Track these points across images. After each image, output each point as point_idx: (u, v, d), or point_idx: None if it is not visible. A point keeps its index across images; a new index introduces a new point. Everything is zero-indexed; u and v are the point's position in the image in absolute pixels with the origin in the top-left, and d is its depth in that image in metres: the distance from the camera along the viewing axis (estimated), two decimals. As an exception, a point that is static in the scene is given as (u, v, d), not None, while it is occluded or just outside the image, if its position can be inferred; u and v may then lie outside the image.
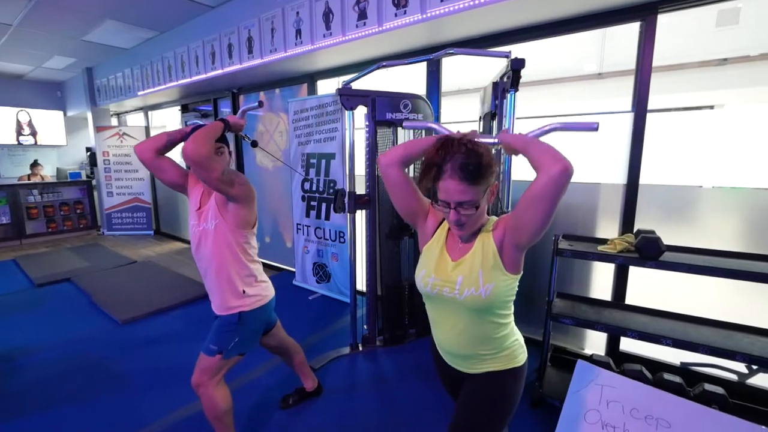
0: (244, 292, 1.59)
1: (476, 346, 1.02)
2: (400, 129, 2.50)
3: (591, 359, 2.26)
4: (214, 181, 1.37)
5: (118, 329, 3.01)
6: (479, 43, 2.56)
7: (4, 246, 5.76)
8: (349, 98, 2.26)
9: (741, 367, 2.08)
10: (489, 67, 2.53)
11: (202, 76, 3.81)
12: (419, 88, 2.90)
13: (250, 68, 3.32)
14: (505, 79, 1.73)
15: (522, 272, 0.99)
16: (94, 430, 1.91)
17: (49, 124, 6.89)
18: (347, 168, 2.41)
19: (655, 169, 2.22)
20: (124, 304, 3.38)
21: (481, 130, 2.16)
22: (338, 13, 2.58)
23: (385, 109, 2.32)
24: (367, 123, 2.33)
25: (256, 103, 1.67)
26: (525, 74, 2.56)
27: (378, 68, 2.17)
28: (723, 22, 2.10)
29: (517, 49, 2.47)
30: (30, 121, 6.69)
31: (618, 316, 2.09)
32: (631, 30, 2.15)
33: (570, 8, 2.12)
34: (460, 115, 3.09)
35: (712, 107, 2.23)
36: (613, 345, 2.39)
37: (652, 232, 1.91)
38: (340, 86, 2.27)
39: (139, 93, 4.81)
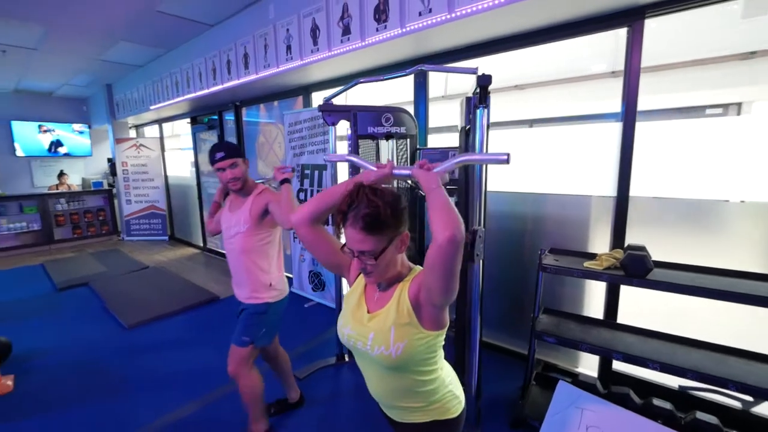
0: (270, 284, 1.79)
1: (399, 398, 0.98)
2: (382, 142, 2.50)
3: (576, 380, 2.17)
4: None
5: (125, 334, 3.15)
6: (466, 53, 2.53)
7: (35, 251, 6.15)
8: (330, 113, 2.28)
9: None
10: (482, 70, 2.50)
11: (206, 91, 3.94)
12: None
13: (248, 83, 3.41)
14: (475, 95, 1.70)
15: (446, 326, 0.93)
16: (95, 429, 2.04)
17: (75, 137, 7.30)
18: (331, 181, 2.43)
19: (674, 180, 2.08)
20: (132, 309, 3.54)
21: (458, 144, 2.12)
22: (324, 29, 2.61)
23: (367, 123, 2.32)
24: (349, 137, 2.34)
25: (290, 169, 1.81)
26: (533, 76, 2.50)
27: (356, 84, 2.18)
28: (751, 13, 1.94)
29: (514, 54, 2.42)
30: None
31: (606, 335, 2.00)
32: (648, 25, 1.98)
33: (553, 16, 2.06)
34: (452, 120, 3.04)
35: (739, 105, 2.03)
36: (605, 364, 2.28)
37: (642, 248, 1.82)
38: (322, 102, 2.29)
39: (151, 107, 5.03)
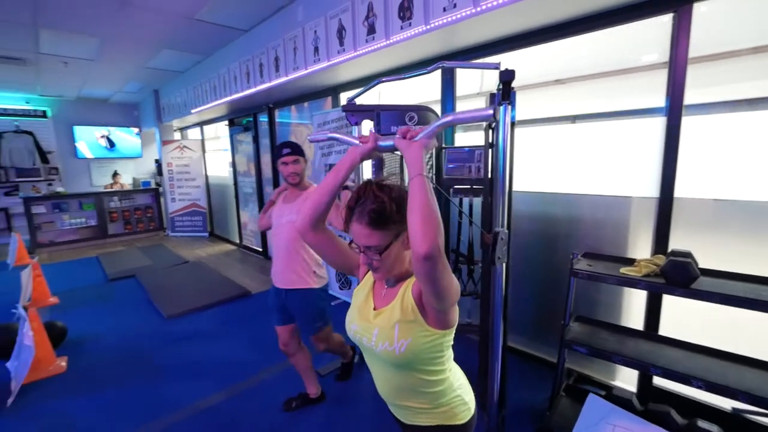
0: (315, 272, 1.98)
1: (405, 397, 0.96)
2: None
3: (609, 394, 2.03)
4: None
5: (164, 323, 3.35)
6: (494, 48, 2.44)
7: (91, 244, 6.70)
8: (353, 113, 2.28)
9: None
10: (517, 65, 2.39)
11: (240, 94, 4.10)
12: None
13: (279, 85, 3.50)
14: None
15: (454, 326, 0.90)
16: (133, 411, 2.19)
17: (128, 139, 7.89)
18: (357, 179, 2.44)
19: (729, 180, 1.88)
20: (171, 301, 3.76)
21: (484, 141, 2.05)
22: (350, 30, 2.62)
23: (390, 123, 2.29)
24: (373, 137, 2.33)
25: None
26: (575, 69, 2.36)
27: (378, 83, 2.16)
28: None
29: (553, 48, 2.30)
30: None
31: (645, 347, 1.85)
32: (697, 9, 1.79)
33: (584, 5, 1.93)
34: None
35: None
36: (645, 379, 2.11)
37: (687, 254, 1.66)
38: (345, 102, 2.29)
39: (193, 110, 5.31)
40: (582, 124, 2.44)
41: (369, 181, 0.90)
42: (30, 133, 6.75)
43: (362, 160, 0.93)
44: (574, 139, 2.43)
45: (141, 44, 4.23)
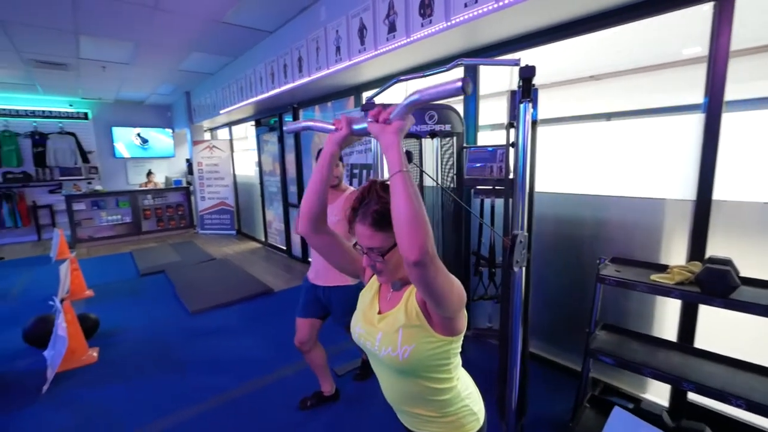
0: None
1: (410, 404, 0.93)
2: (426, 140, 2.42)
3: (637, 407, 1.91)
4: None
5: (189, 318, 3.46)
6: (518, 44, 2.36)
7: (126, 240, 7.04)
8: (372, 113, 2.26)
9: None
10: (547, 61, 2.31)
11: (266, 95, 4.18)
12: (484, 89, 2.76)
13: (302, 85, 3.54)
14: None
15: (461, 333, 0.86)
16: (156, 402, 2.27)
17: (162, 139, 8.24)
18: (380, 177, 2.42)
19: None
20: (196, 296, 3.88)
21: (504, 140, 1.98)
22: (371, 28, 2.61)
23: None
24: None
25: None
26: (610, 65, 2.25)
27: (397, 82, 2.13)
28: None
29: (587, 43, 2.20)
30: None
31: (677, 360, 1.74)
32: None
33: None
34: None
35: None
36: (678, 394, 1.97)
37: (726, 261, 1.54)
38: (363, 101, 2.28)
39: (221, 111, 5.47)
40: (617, 122, 2.31)
41: (374, 182, 0.87)
42: (72, 134, 7.17)
43: (340, 147, 0.86)
44: (607, 138, 2.31)
45: (172, 47, 4.40)
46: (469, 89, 0.62)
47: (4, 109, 6.60)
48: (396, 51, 2.52)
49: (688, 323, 1.91)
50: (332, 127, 0.87)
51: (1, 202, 6.60)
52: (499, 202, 2.43)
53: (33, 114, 6.84)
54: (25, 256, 5.89)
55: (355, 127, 0.82)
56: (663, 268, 1.80)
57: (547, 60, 2.38)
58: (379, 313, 0.93)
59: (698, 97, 1.81)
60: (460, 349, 0.90)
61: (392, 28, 2.46)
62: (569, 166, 2.42)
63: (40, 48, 4.22)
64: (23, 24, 3.54)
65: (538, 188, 1.85)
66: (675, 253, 1.98)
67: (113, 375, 2.55)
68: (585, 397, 1.99)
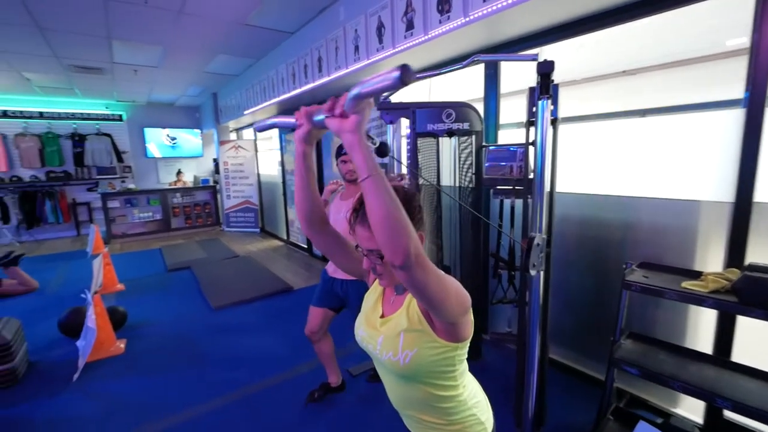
0: None
1: (414, 410, 0.90)
2: (443, 139, 2.38)
3: (666, 423, 1.80)
4: None
5: (211, 314, 3.56)
6: (548, 37, 2.26)
7: (156, 237, 7.34)
8: (388, 112, 2.24)
9: None
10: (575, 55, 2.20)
11: (287, 95, 4.24)
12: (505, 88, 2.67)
13: (321, 85, 3.57)
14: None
15: (466, 339, 0.82)
16: (177, 394, 2.34)
17: (190, 140, 8.54)
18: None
19: None
20: (219, 293, 3.99)
21: (524, 138, 1.90)
22: (389, 26, 2.59)
23: (426, 121, 2.23)
24: (408, 135, 2.28)
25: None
26: (644, 60, 2.14)
27: (416, 80, 2.10)
28: None
29: (619, 36, 2.10)
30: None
31: (711, 374, 1.62)
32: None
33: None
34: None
35: None
36: (713, 410, 1.84)
37: (768, 269, 1.42)
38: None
39: (245, 112, 5.60)
40: (652, 119, 2.18)
41: None
42: (108, 135, 7.54)
43: (306, 143, 0.80)
44: (638, 136, 2.18)
45: (197, 50, 4.54)
46: (410, 79, 0.54)
47: (47, 113, 7.02)
48: (414, 49, 2.49)
49: (724, 335, 1.78)
50: (291, 120, 0.81)
51: (45, 200, 7.03)
52: (520, 203, 2.36)
53: (73, 116, 7.25)
54: (65, 251, 6.25)
55: (315, 119, 0.75)
56: (696, 275, 1.69)
57: (574, 55, 2.28)
58: (382, 316, 0.91)
59: (738, 91, 1.68)
60: (466, 356, 0.87)
61: (410, 26, 2.43)
62: (598, 166, 2.31)
63: (77, 53, 4.45)
64: (62, 31, 3.75)
65: (562, 188, 1.77)
66: (710, 260, 1.85)
67: (138, 367, 2.65)
68: (609, 409, 1.89)
